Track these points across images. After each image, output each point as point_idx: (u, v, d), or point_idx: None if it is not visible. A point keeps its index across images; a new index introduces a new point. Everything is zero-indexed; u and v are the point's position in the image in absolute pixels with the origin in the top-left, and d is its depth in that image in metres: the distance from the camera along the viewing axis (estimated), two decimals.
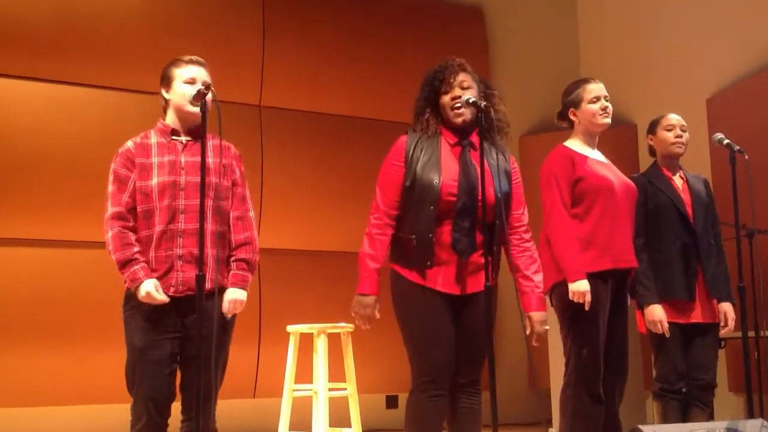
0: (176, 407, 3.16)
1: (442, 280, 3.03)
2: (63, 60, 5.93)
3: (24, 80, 5.85)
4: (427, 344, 3.02)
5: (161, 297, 3.07)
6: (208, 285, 3.05)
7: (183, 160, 3.20)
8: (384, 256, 3.09)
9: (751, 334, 3.93)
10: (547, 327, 3.15)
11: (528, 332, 3.13)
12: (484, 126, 3.05)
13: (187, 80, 3.23)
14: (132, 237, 3.13)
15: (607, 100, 3.60)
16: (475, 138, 3.14)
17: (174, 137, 3.24)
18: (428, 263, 3.03)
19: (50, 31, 5.90)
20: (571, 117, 3.63)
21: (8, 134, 5.72)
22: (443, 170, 3.06)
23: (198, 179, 3.03)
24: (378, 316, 3.09)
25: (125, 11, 6.25)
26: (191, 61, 3.27)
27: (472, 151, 3.13)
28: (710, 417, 3.94)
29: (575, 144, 3.63)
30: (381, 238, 3.08)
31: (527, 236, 3.21)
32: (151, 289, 3.05)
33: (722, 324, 3.95)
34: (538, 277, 3.18)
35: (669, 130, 4.07)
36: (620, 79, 6.68)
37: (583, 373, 3.41)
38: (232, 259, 3.25)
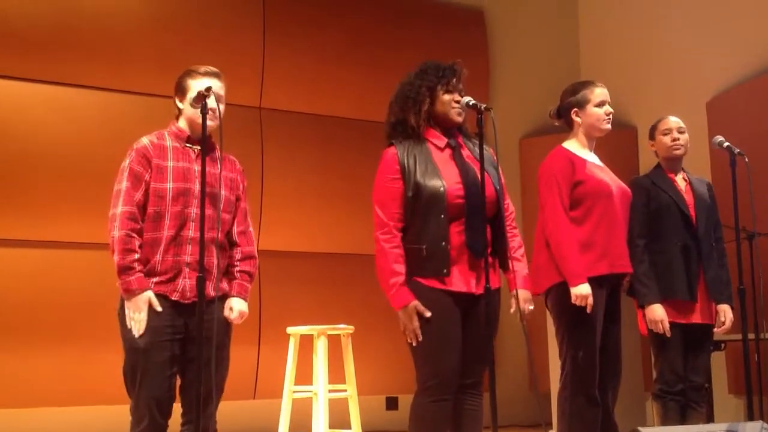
0: (176, 410, 3.16)
1: (456, 280, 3.03)
2: (62, 61, 5.93)
3: (22, 81, 5.85)
4: (437, 348, 3.00)
5: (144, 314, 3.06)
6: (212, 292, 3.09)
7: (196, 168, 3.19)
8: (404, 267, 3.02)
9: (752, 336, 3.93)
10: (532, 306, 3.15)
11: (512, 310, 3.14)
12: (482, 126, 3.05)
13: None
14: (137, 242, 3.11)
15: (610, 106, 3.61)
16: (459, 138, 3.19)
17: (188, 144, 3.25)
18: (444, 271, 3.00)
19: (49, 32, 5.90)
20: (574, 117, 3.63)
21: (6, 135, 5.72)
22: (444, 176, 3.05)
23: (210, 189, 3.08)
24: (428, 313, 2.97)
25: (125, 13, 6.25)
26: (206, 73, 3.24)
27: (461, 149, 3.16)
28: (707, 416, 3.95)
29: (573, 146, 3.63)
30: (396, 250, 3.04)
31: (515, 223, 3.24)
32: (142, 305, 3.06)
33: (720, 321, 3.94)
34: (525, 259, 3.21)
35: (666, 134, 4.09)
36: (620, 82, 6.68)
37: (579, 376, 3.42)
38: (236, 269, 3.30)
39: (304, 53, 6.75)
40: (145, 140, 3.22)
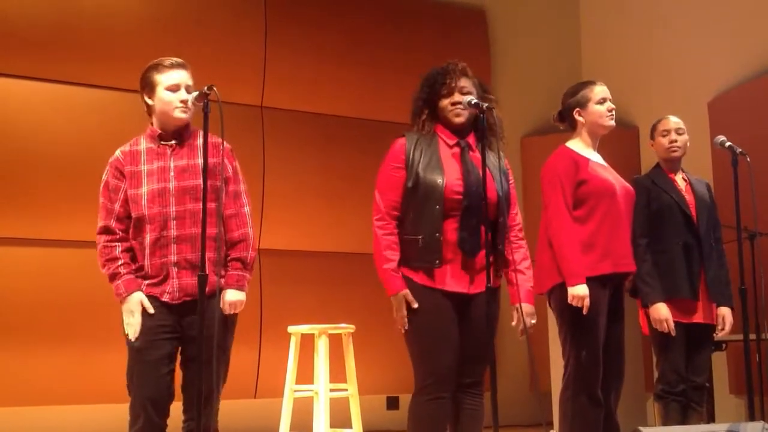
0: (178, 408, 3.16)
1: (449, 278, 3.04)
2: (63, 60, 5.93)
3: (23, 80, 5.85)
4: (433, 346, 3.02)
5: (138, 317, 3.07)
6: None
7: (172, 165, 3.16)
8: (397, 254, 3.07)
9: (753, 336, 3.93)
10: (534, 320, 3.16)
11: (514, 323, 3.15)
12: (484, 126, 3.05)
13: (170, 87, 3.16)
14: (117, 250, 3.13)
15: (611, 103, 3.61)
16: (471, 139, 3.18)
17: (162, 142, 3.20)
18: (437, 262, 3.03)
19: (50, 31, 5.90)
20: (576, 117, 3.63)
21: (7, 134, 5.72)
22: (446, 171, 3.07)
23: (187, 183, 3.08)
24: (416, 304, 3.02)
25: (126, 11, 6.25)
26: (173, 65, 3.19)
27: (470, 151, 3.16)
28: (707, 416, 3.95)
29: (577, 145, 3.63)
30: (390, 237, 3.08)
31: (521, 234, 3.25)
32: (133, 307, 3.07)
33: (719, 327, 3.95)
34: (530, 273, 3.22)
35: (664, 136, 4.09)
36: (622, 82, 6.67)
37: (581, 376, 3.42)
38: (228, 259, 3.20)
39: (305, 53, 6.75)
40: (117, 152, 3.23)
